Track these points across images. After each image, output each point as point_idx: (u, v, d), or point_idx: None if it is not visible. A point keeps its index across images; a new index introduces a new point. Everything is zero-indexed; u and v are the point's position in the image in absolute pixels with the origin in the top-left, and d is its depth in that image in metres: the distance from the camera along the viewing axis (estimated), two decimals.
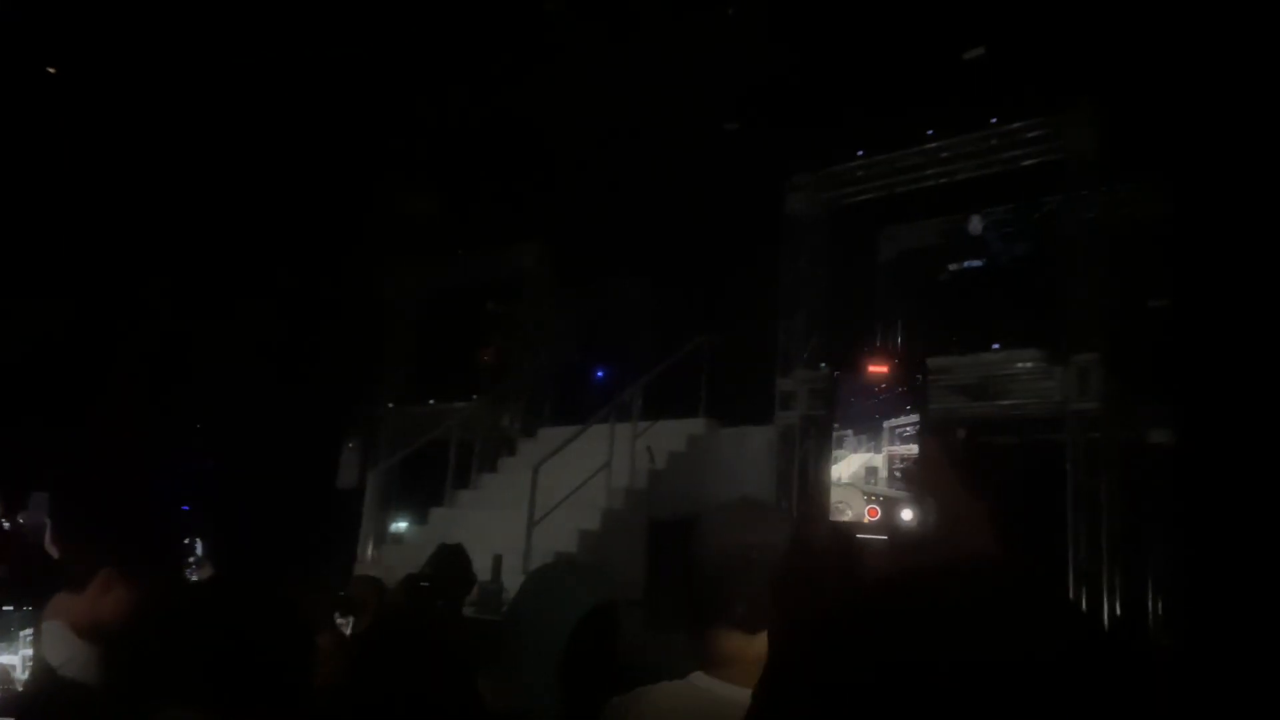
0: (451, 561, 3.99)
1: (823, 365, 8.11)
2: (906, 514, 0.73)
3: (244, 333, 10.25)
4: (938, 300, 8.41)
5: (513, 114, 10.89)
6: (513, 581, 6.34)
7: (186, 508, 10.76)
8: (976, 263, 8.20)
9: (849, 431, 0.75)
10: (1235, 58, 6.06)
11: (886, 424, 0.75)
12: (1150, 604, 7.27)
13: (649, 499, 8.32)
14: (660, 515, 8.25)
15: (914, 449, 0.74)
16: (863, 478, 0.75)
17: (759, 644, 1.24)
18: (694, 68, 9.65)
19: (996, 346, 7.32)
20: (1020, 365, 7.20)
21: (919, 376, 0.75)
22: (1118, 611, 6.56)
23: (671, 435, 9.03)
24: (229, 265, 10.07)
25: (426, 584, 3.59)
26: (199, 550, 3.65)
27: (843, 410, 0.75)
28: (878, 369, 0.75)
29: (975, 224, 7.88)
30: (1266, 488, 5.36)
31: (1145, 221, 8.20)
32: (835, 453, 0.75)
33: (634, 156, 10.94)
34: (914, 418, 0.75)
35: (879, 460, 0.75)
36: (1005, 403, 7.49)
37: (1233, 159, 6.00)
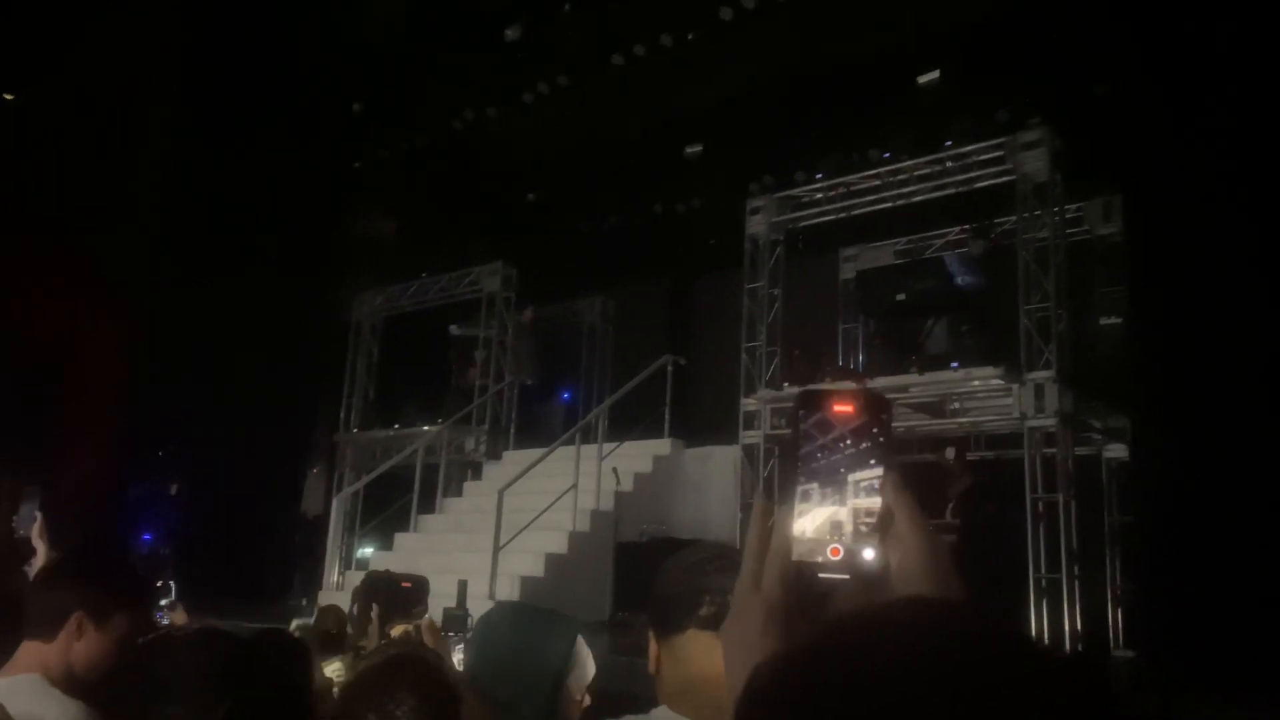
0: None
1: (786, 385, 8.19)
2: (869, 554, 0.73)
3: (207, 356, 10.14)
4: (897, 319, 8.52)
5: (474, 139, 10.92)
6: (477, 608, 6.29)
7: (148, 536, 10.60)
8: (934, 282, 8.33)
9: (813, 485, 0.75)
10: (1182, 80, 6.24)
11: (851, 477, 0.75)
12: (1109, 614, 7.39)
13: (615, 520, 8.33)
14: (627, 536, 8.26)
15: (878, 502, 0.74)
16: (827, 531, 0.74)
17: (715, 675, 1.24)
18: (655, 92, 9.75)
19: (955, 365, 7.43)
20: (978, 383, 7.31)
21: (884, 416, 0.76)
22: (1078, 622, 6.66)
23: (637, 456, 9.05)
24: (193, 289, 9.96)
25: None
26: (173, 592, 3.54)
27: (806, 459, 0.75)
28: (843, 408, 0.76)
29: (976, 246, 8.01)
30: (1216, 498, 5.48)
31: (1096, 241, 8.41)
32: (799, 506, 0.75)
33: (596, 179, 11.01)
34: (878, 471, 0.75)
35: (844, 514, 0.75)
36: (964, 420, 7.61)
37: (1180, 179, 6.17)
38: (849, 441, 0.74)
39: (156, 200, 9.94)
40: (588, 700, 1.92)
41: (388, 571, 3.58)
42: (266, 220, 10.44)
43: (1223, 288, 5.80)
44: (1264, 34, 5.78)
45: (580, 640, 1.93)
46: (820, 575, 0.72)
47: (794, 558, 0.73)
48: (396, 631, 2.56)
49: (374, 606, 3.32)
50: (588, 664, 1.92)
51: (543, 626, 1.94)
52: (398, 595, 3.31)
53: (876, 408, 0.74)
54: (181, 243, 9.98)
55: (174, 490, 10.84)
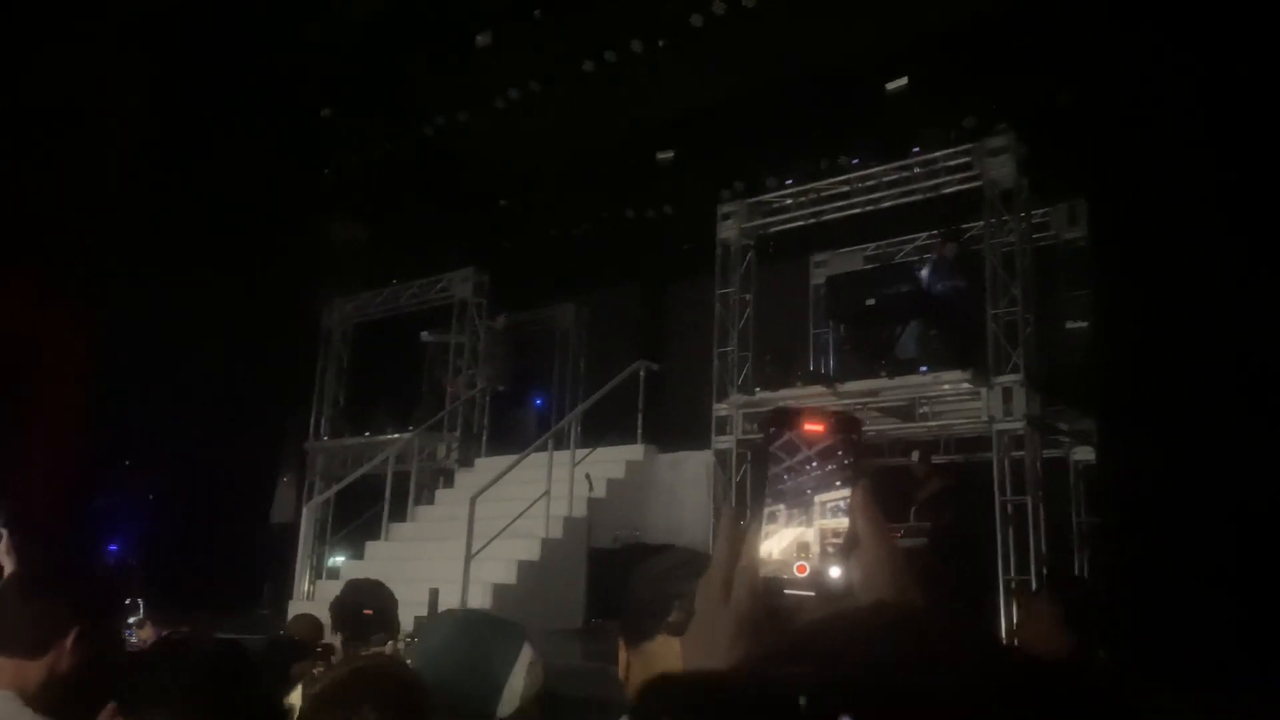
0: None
1: (758, 390, 8.22)
2: (835, 571, 0.74)
3: (174, 364, 10.03)
4: (867, 324, 8.58)
5: (446, 144, 10.89)
6: None
7: (115, 547, 10.46)
8: (904, 286, 8.40)
9: (780, 506, 0.75)
10: (1145, 86, 6.34)
11: (818, 498, 0.76)
12: None
13: (588, 526, 8.32)
14: (600, 543, 8.25)
15: (845, 522, 0.75)
16: (794, 553, 0.75)
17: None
18: (627, 98, 9.77)
19: (924, 369, 7.50)
20: (947, 387, 7.38)
21: (854, 436, 0.77)
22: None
23: (610, 462, 9.05)
24: (160, 296, 9.86)
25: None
26: (140, 610, 3.47)
27: (774, 482, 0.76)
28: (813, 427, 0.76)
29: (951, 249, 8.07)
30: (1182, 499, 5.56)
31: (1062, 245, 8.52)
32: (766, 527, 0.75)
33: (568, 185, 11.02)
34: (844, 492, 0.76)
35: (810, 535, 0.75)
36: (934, 423, 7.68)
37: (1143, 183, 6.26)
38: (816, 463, 0.75)
39: (123, 207, 9.82)
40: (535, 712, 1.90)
41: (354, 596, 3.52)
42: (236, 226, 10.35)
43: (1186, 291, 5.89)
44: (1224, 41, 5.89)
45: (527, 648, 1.91)
46: (786, 591, 0.73)
47: (762, 573, 0.74)
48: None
49: (338, 635, 3.29)
50: (535, 674, 1.90)
51: (487, 635, 1.91)
52: (359, 623, 3.28)
53: (846, 427, 0.75)
54: (149, 250, 9.87)
55: (141, 501, 10.69)
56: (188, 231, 10.04)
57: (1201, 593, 5.32)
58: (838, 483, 0.74)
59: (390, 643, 3.11)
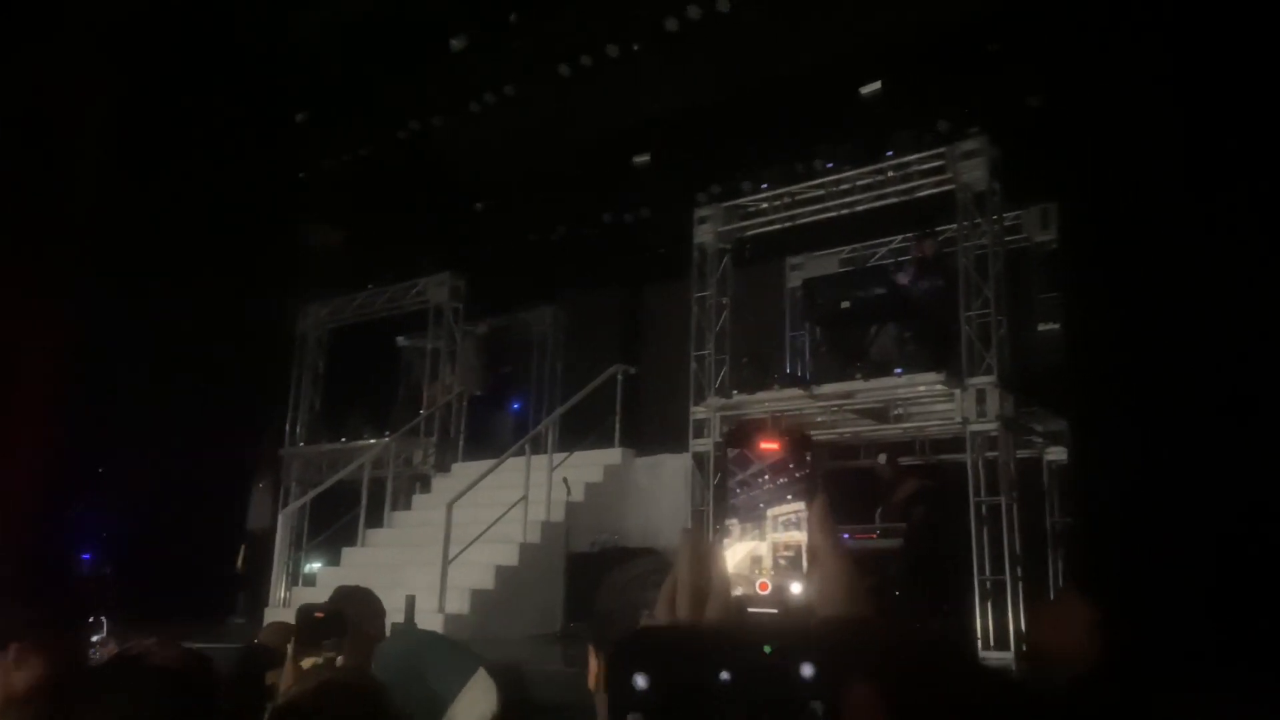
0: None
1: (735, 393, 8.25)
2: (796, 588, 0.76)
3: (147, 370, 9.94)
4: (842, 327, 8.63)
5: (421, 148, 10.86)
6: (427, 623, 6.26)
7: (88, 555, 10.34)
8: (879, 289, 8.45)
9: (733, 520, 0.77)
10: (1115, 89, 6.42)
11: (770, 512, 0.77)
12: None
13: (566, 531, 8.32)
14: (578, 547, 8.25)
15: (797, 536, 0.76)
16: (748, 566, 0.77)
17: None
18: (602, 102, 9.78)
19: (899, 371, 7.55)
20: (922, 389, 7.43)
21: (807, 454, 0.78)
22: (1021, 623, 6.79)
23: (588, 466, 9.05)
24: (132, 301, 9.77)
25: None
26: (104, 628, 3.41)
27: (729, 497, 0.78)
28: (768, 445, 0.78)
29: (931, 246, 8.13)
30: (1153, 498, 5.64)
31: (1034, 248, 8.61)
32: (723, 541, 0.77)
33: (544, 189, 11.01)
34: (797, 505, 0.77)
35: (763, 549, 0.77)
36: (908, 425, 7.73)
37: (1113, 186, 6.34)
38: (768, 477, 0.76)
39: (96, 211, 9.72)
40: None
41: (329, 601, 3.48)
42: (210, 231, 10.27)
43: (1157, 293, 5.97)
44: (1194, 45, 5.97)
45: (482, 676, 1.89)
46: (750, 610, 0.75)
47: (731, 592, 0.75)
48: (306, 664, 2.45)
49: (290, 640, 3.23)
50: (485, 701, 1.88)
51: (438, 657, 1.89)
52: (309, 627, 3.21)
53: (799, 444, 0.77)
54: (119, 255, 9.77)
55: (115, 509, 10.57)
56: (161, 236, 9.96)
57: (1174, 592, 5.39)
58: (789, 496, 0.76)
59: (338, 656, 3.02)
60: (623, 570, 1.45)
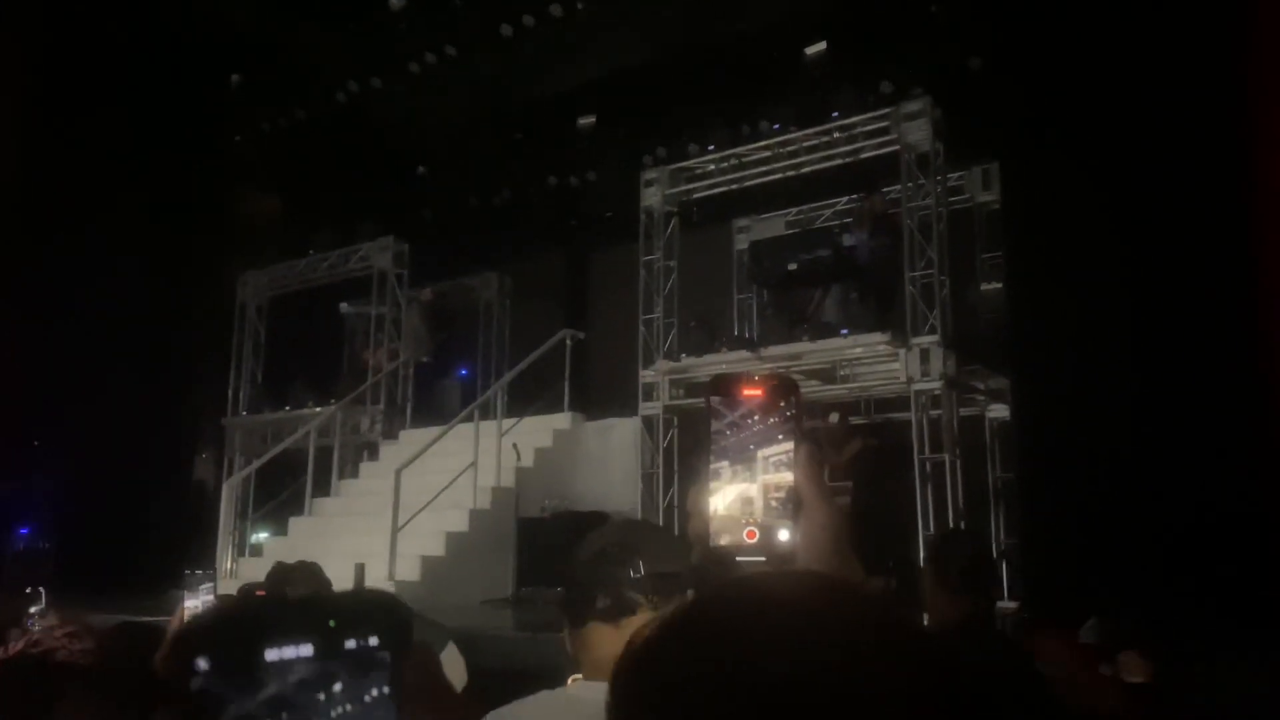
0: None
1: (683, 356, 8.27)
2: (784, 535, 0.75)
3: (83, 342, 9.66)
4: (789, 289, 8.68)
5: (360, 111, 10.63)
6: None
7: (26, 530, 10.10)
8: (824, 251, 8.50)
9: (724, 463, 0.77)
10: (1057, 49, 6.48)
11: (761, 454, 0.77)
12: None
13: (517, 496, 8.31)
14: (529, 512, 8.25)
15: (789, 477, 0.76)
16: (739, 508, 0.76)
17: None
18: (546, 63, 9.64)
19: (845, 332, 7.62)
20: (866, 349, 7.52)
21: (792, 398, 0.78)
22: None
23: (537, 431, 9.03)
24: (66, 271, 9.47)
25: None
26: (43, 600, 3.34)
27: (718, 438, 0.77)
28: (751, 392, 0.78)
29: (879, 202, 8.15)
30: (1091, 455, 5.78)
31: (976, 208, 8.71)
32: (711, 484, 0.76)
33: (487, 152, 10.86)
34: (787, 446, 0.77)
35: (754, 491, 0.76)
36: (854, 385, 7.82)
37: (1054, 147, 6.42)
38: (758, 418, 0.76)
39: (23, 178, 9.38)
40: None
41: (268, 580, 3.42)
42: (143, 198, 9.97)
43: (1096, 253, 6.08)
44: (1133, 7, 6.04)
45: (452, 648, 1.89)
46: (739, 559, 0.74)
47: (712, 543, 0.75)
48: None
49: None
50: (456, 674, 1.88)
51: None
52: None
53: (785, 390, 0.77)
54: (54, 224, 9.46)
55: (53, 483, 10.32)
56: (94, 204, 9.65)
57: (1111, 543, 5.55)
58: (779, 437, 0.76)
59: None
60: (587, 542, 1.48)
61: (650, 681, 0.55)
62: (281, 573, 3.35)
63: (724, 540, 0.75)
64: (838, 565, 0.76)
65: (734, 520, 0.76)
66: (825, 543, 0.76)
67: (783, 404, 0.77)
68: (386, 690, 0.59)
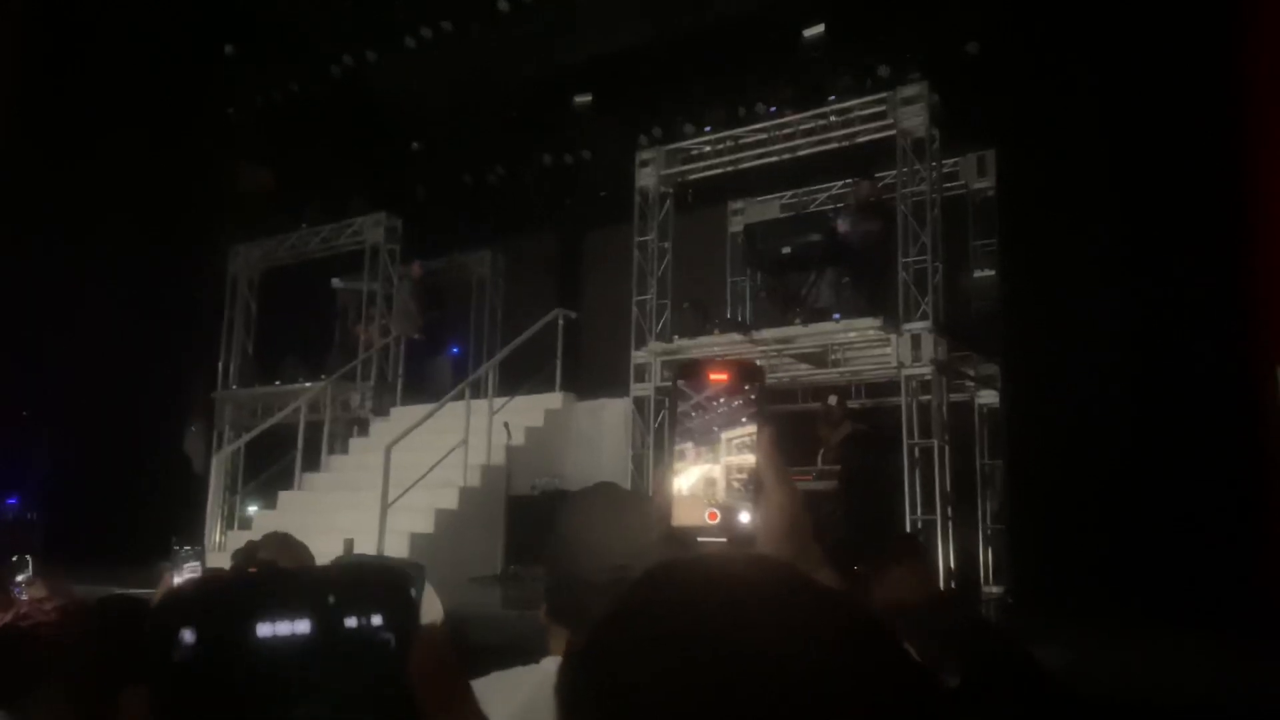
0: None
1: (676, 338, 8.27)
2: (745, 517, 0.76)
3: (74, 315, 9.62)
4: (782, 273, 8.68)
5: (354, 84, 10.56)
6: None
7: (14, 500, 10.09)
8: (818, 235, 8.49)
9: (688, 444, 0.78)
10: (1052, 37, 6.46)
11: (724, 436, 0.78)
12: (980, 553, 7.79)
13: (507, 475, 8.32)
14: (519, 491, 8.26)
15: (750, 459, 0.77)
16: (701, 489, 0.77)
17: None
18: (543, 40, 9.59)
19: (837, 317, 7.63)
20: (858, 334, 7.53)
21: (756, 382, 0.79)
22: (951, 561, 6.99)
23: (528, 410, 9.03)
24: (57, 244, 9.41)
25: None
26: (29, 567, 3.32)
27: (683, 422, 0.78)
28: (717, 377, 0.79)
29: (867, 188, 8.14)
30: (1079, 443, 5.81)
31: (971, 195, 8.71)
32: (676, 465, 0.77)
33: (483, 128, 10.81)
34: (750, 429, 0.78)
35: (717, 472, 0.77)
36: (845, 369, 7.83)
37: (1049, 135, 6.41)
38: (722, 400, 0.78)
39: (14, 147, 9.30)
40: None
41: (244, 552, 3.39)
42: (135, 169, 9.90)
43: (1089, 241, 6.09)
44: None
45: (428, 590, 1.92)
46: (700, 540, 0.76)
47: (674, 523, 0.76)
48: None
49: None
50: (432, 610, 1.91)
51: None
52: None
53: (749, 375, 0.78)
54: (46, 194, 9.39)
55: (42, 453, 10.29)
56: (87, 175, 9.58)
57: (1097, 531, 5.59)
58: (743, 420, 0.77)
59: None
60: (551, 543, 1.49)
61: (592, 682, 0.54)
62: (250, 550, 3.33)
63: (686, 520, 0.76)
64: (793, 548, 0.77)
65: (697, 501, 0.77)
66: (782, 526, 0.77)
67: (747, 387, 0.78)
68: (388, 673, 0.57)
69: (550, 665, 1.40)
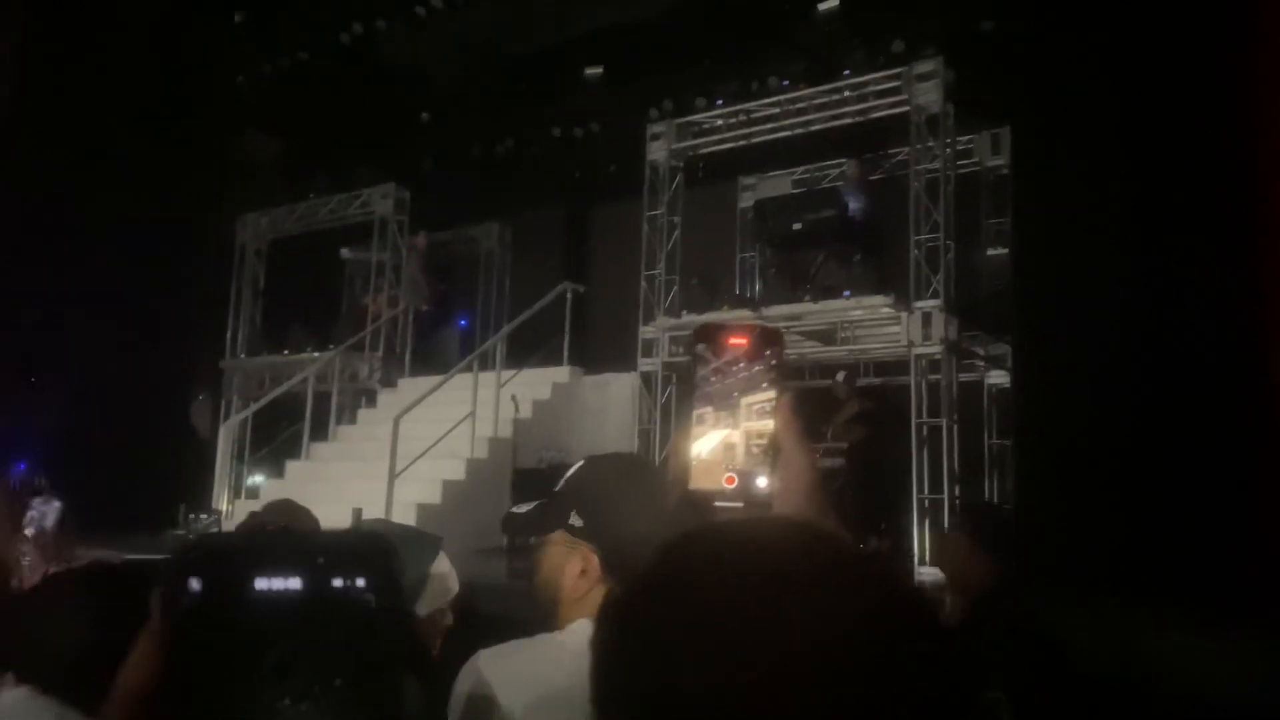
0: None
1: (684, 313, 8.24)
2: (762, 482, 0.76)
3: (82, 283, 9.62)
4: (792, 249, 8.63)
5: (363, 54, 10.49)
6: None
7: (22, 465, 10.13)
8: (830, 211, 8.44)
9: (707, 408, 0.77)
10: (1075, 15, 6.37)
11: (744, 401, 0.77)
12: None
13: (514, 447, 8.33)
14: (526, 463, 8.27)
15: (770, 425, 0.77)
16: (720, 454, 0.77)
17: None
18: (554, 11, 9.50)
19: (847, 294, 7.59)
20: (867, 312, 7.49)
21: (776, 348, 0.78)
22: None
23: (536, 383, 9.03)
24: (64, 213, 9.40)
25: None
26: (44, 482, 3.35)
27: (702, 386, 0.78)
28: (737, 341, 0.77)
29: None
30: (1089, 423, 5.78)
31: (984, 172, 8.64)
32: (694, 429, 0.77)
33: (492, 100, 10.74)
34: (770, 394, 0.77)
35: (736, 437, 0.77)
36: (854, 347, 7.81)
37: (1065, 113, 6.34)
38: (743, 365, 0.76)
39: (23, 114, 9.27)
40: (450, 619, 1.94)
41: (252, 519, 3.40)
42: (144, 137, 9.87)
43: (1104, 220, 6.03)
44: None
45: (442, 558, 1.95)
46: (716, 504, 0.75)
47: (691, 485, 0.75)
48: None
49: None
50: (447, 582, 1.94)
51: (400, 540, 1.93)
52: None
53: (769, 340, 0.77)
54: (54, 162, 9.37)
55: (51, 420, 10.33)
56: (95, 144, 9.55)
57: (1103, 511, 5.57)
58: (763, 384, 0.76)
59: None
60: (590, 465, 1.53)
61: (629, 637, 0.56)
62: (258, 515, 3.33)
63: (703, 484, 0.76)
64: (811, 515, 0.76)
65: (715, 465, 0.76)
66: (799, 491, 0.77)
67: (767, 353, 0.77)
68: (366, 629, 0.62)
69: (565, 635, 1.39)
